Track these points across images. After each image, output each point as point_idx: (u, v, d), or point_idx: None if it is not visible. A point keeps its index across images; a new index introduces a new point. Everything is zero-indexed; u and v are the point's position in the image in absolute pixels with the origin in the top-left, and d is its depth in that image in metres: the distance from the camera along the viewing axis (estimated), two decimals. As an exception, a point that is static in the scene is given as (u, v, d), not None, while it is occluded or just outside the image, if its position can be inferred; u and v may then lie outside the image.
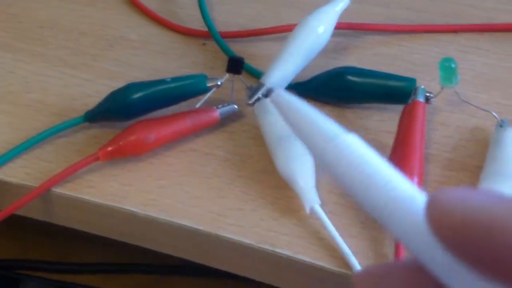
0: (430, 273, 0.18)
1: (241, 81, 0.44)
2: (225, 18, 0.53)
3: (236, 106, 0.44)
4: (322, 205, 0.38)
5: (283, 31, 0.50)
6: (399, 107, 0.42)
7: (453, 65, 0.41)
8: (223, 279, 0.53)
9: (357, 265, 0.37)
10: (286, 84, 0.45)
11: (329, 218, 0.38)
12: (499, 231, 0.16)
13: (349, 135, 0.20)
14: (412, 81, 0.43)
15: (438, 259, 0.18)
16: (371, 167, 0.19)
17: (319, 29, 0.45)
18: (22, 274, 0.54)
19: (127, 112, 0.42)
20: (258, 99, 0.43)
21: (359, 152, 0.20)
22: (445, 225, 0.17)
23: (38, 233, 0.56)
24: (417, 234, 0.18)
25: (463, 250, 0.17)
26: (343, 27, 0.50)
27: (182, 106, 0.44)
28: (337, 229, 0.38)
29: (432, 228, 0.17)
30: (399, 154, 0.40)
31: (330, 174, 0.20)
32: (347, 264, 0.37)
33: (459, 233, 0.17)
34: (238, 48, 0.50)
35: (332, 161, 0.20)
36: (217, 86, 0.43)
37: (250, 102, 0.43)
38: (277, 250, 0.38)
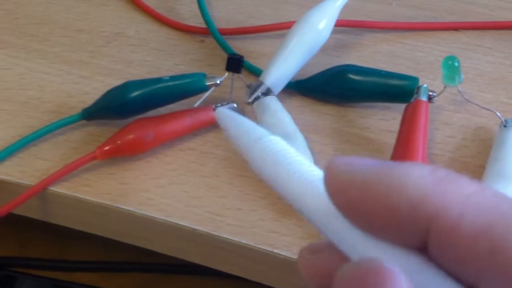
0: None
1: (241, 79, 0.44)
2: (224, 15, 0.52)
3: (235, 105, 0.44)
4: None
5: (283, 28, 0.49)
6: (401, 106, 0.42)
7: (456, 64, 0.41)
8: (223, 278, 0.53)
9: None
10: (286, 82, 0.44)
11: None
12: (372, 190, 0.19)
13: (272, 137, 0.23)
14: (414, 79, 0.43)
15: (344, 233, 0.20)
16: (290, 163, 0.22)
17: (319, 24, 0.44)
18: (18, 272, 0.53)
19: (124, 110, 0.42)
20: (258, 97, 0.43)
21: (280, 150, 0.22)
22: (335, 186, 0.19)
23: (35, 230, 0.56)
24: (327, 214, 0.20)
25: (351, 210, 0.19)
26: (343, 25, 0.50)
27: (181, 104, 0.43)
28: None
29: (326, 190, 0.20)
30: (401, 154, 0.40)
31: (255, 170, 0.23)
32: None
33: (345, 193, 0.19)
34: (237, 45, 0.49)
35: (256, 158, 0.23)
36: (216, 85, 0.43)
37: (249, 101, 0.43)
38: (276, 251, 0.38)
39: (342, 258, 0.20)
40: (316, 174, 0.21)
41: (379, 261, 0.18)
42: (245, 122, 0.24)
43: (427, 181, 0.18)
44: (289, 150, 0.22)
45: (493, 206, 0.18)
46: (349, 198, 0.19)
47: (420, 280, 0.18)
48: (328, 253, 0.21)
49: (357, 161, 0.20)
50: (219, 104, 0.43)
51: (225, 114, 0.25)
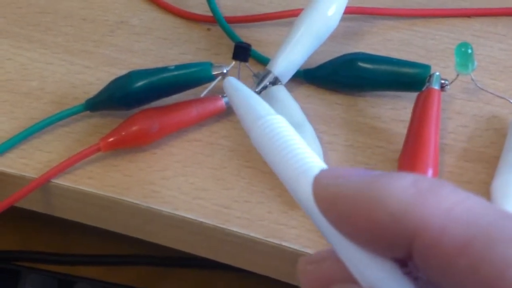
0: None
1: (248, 68, 0.43)
2: (231, 3, 0.51)
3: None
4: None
5: (290, 16, 0.48)
6: (413, 95, 0.42)
7: (469, 51, 0.40)
8: (229, 272, 0.52)
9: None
10: (294, 71, 0.44)
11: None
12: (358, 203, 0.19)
13: (274, 116, 0.23)
14: (426, 67, 0.42)
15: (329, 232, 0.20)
16: (287, 146, 0.22)
17: (328, 11, 0.44)
18: (22, 265, 0.53)
19: (129, 100, 0.42)
20: (265, 87, 0.42)
21: (279, 131, 0.23)
22: (323, 200, 0.20)
23: (39, 224, 0.55)
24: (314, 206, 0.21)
25: (339, 223, 0.20)
26: (353, 12, 0.49)
27: (187, 94, 0.43)
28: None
29: (315, 202, 0.20)
30: (413, 144, 0.39)
31: (257, 149, 0.23)
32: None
33: (333, 207, 0.20)
34: (244, 33, 0.48)
35: (257, 137, 0.23)
36: (223, 74, 0.42)
37: (256, 90, 0.42)
38: (284, 243, 0.38)
39: (340, 268, 0.20)
40: (311, 161, 0.22)
41: None
42: (251, 98, 0.24)
43: (409, 193, 0.18)
44: (289, 131, 0.23)
45: (474, 220, 0.18)
46: (337, 211, 0.20)
47: None
48: (325, 264, 0.21)
49: (344, 173, 0.20)
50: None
51: (233, 86, 0.26)
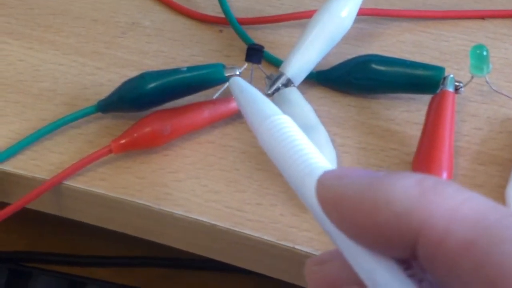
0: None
1: (260, 70, 0.43)
2: (243, 4, 0.51)
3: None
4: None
5: (303, 17, 0.48)
6: (427, 97, 0.41)
7: (485, 53, 0.40)
8: (239, 274, 0.52)
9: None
10: (307, 73, 0.43)
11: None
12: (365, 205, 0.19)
13: (280, 116, 0.23)
14: (440, 70, 0.42)
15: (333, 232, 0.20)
16: (294, 145, 0.22)
17: (341, 13, 0.43)
18: (33, 267, 0.53)
19: (141, 102, 0.42)
20: (278, 89, 0.42)
21: (285, 131, 0.22)
22: (326, 202, 0.20)
23: (49, 225, 0.55)
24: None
25: (344, 224, 0.20)
26: (366, 13, 0.49)
27: (199, 96, 0.43)
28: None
29: (319, 203, 0.20)
30: (427, 147, 0.39)
31: (264, 150, 0.23)
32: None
33: (337, 209, 0.20)
34: (256, 35, 0.48)
35: (263, 138, 0.23)
36: (236, 76, 0.42)
37: (269, 92, 0.42)
38: (297, 246, 0.37)
39: (346, 269, 0.20)
40: (317, 162, 0.21)
41: None
42: (257, 97, 0.24)
43: (413, 192, 0.18)
44: (295, 132, 0.22)
45: (478, 219, 0.17)
46: (340, 213, 0.20)
47: None
48: (332, 265, 0.21)
49: (347, 173, 0.20)
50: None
51: (238, 85, 0.26)
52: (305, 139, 0.22)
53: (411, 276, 0.19)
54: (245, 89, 0.25)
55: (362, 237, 0.19)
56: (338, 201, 0.20)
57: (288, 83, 0.42)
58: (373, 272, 0.19)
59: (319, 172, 0.21)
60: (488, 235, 0.17)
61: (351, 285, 0.20)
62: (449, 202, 0.18)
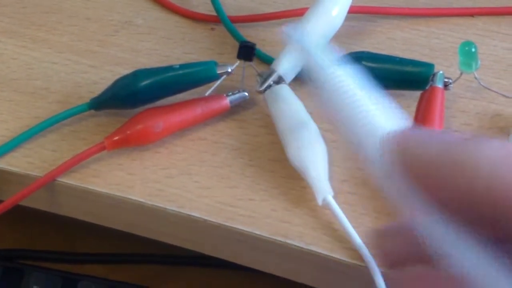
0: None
1: (252, 68, 0.43)
2: (235, 2, 0.51)
3: (246, 94, 0.43)
4: (334, 196, 0.38)
5: (295, 15, 0.48)
6: (417, 94, 0.42)
7: (473, 50, 0.40)
8: (233, 270, 0.52)
9: (369, 257, 0.36)
10: (298, 71, 0.43)
11: (342, 209, 0.38)
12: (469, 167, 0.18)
13: (340, 67, 0.23)
14: (430, 66, 0.42)
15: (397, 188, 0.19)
16: (355, 97, 0.22)
17: (332, 11, 0.44)
18: (26, 264, 0.53)
19: (134, 99, 0.42)
20: (269, 86, 0.42)
21: (347, 82, 0.22)
22: (409, 159, 0.19)
23: (43, 222, 0.55)
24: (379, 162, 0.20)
25: (425, 185, 0.19)
26: (357, 11, 0.49)
27: (191, 93, 0.43)
28: (350, 219, 0.37)
29: (398, 164, 0.19)
30: (417, 143, 0.39)
31: (323, 101, 0.23)
32: (360, 256, 0.37)
33: (420, 168, 0.19)
34: (248, 33, 0.48)
35: (324, 87, 0.23)
36: (228, 73, 0.42)
37: (261, 89, 0.42)
38: (289, 241, 0.38)
39: (410, 244, 0.19)
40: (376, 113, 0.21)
41: None
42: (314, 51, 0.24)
43: (500, 157, 0.18)
44: (356, 84, 0.22)
45: None
46: (424, 175, 0.19)
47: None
48: (397, 238, 0.20)
49: (429, 134, 0.19)
50: (230, 93, 0.43)
51: (299, 38, 0.25)
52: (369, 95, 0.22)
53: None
54: (303, 41, 0.24)
55: (445, 202, 0.18)
56: (421, 163, 0.19)
57: (279, 80, 0.43)
58: (457, 250, 0.18)
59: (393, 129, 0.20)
60: None
61: (414, 262, 0.19)
62: None
